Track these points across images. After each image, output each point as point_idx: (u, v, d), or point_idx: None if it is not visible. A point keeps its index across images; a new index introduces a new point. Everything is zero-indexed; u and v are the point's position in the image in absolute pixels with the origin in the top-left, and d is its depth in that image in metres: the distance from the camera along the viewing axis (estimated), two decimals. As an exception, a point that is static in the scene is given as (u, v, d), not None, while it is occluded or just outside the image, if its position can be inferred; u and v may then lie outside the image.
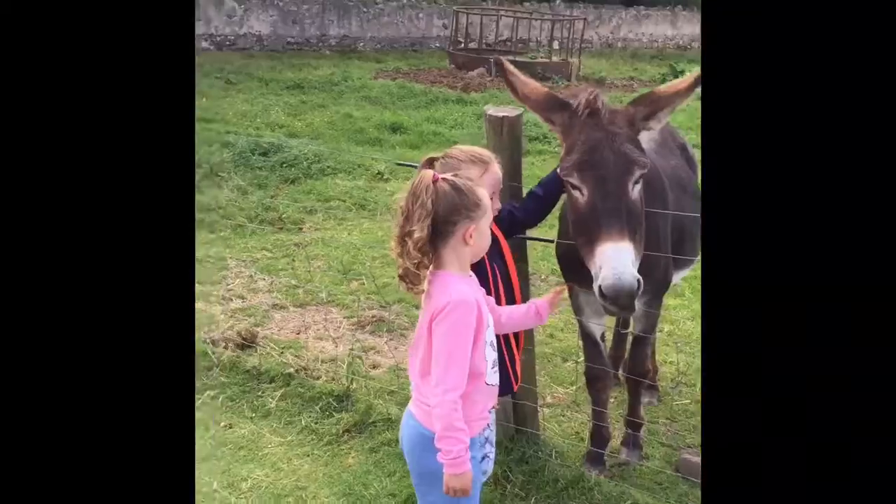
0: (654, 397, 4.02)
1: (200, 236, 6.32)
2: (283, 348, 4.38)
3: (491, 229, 2.65)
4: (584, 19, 18.52)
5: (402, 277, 2.14)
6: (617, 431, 3.56)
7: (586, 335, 3.28)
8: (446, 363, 2.06)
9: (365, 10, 18.99)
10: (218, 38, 16.79)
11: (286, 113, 11.42)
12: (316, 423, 3.61)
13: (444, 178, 2.12)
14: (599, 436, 3.34)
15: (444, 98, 12.84)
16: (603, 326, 3.32)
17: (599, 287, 2.34)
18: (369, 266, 5.79)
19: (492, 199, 2.49)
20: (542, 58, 16.99)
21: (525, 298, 3.02)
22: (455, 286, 2.13)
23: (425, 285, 2.15)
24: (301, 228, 6.70)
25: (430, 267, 2.16)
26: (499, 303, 2.58)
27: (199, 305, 5.05)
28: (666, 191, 3.02)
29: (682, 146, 3.59)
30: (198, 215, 6.70)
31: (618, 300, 2.30)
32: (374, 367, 4.29)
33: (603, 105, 2.50)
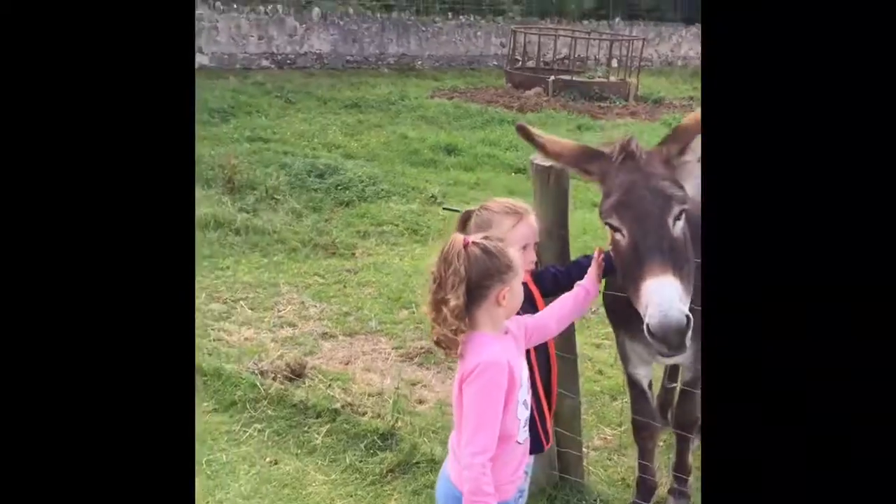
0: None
1: (253, 260, 6.42)
2: (330, 380, 4.39)
3: (525, 284, 2.63)
4: (644, 39, 18.34)
5: (437, 343, 2.13)
6: (666, 478, 3.49)
7: (633, 383, 3.22)
8: (476, 425, 2.03)
9: (423, 28, 19.13)
10: (279, 57, 17.08)
11: (343, 133, 11.54)
12: (360, 462, 3.60)
13: (474, 242, 2.10)
14: (644, 486, 3.27)
15: (499, 119, 12.84)
16: (650, 375, 3.25)
17: (647, 326, 2.28)
18: (420, 294, 5.79)
19: (525, 249, 2.50)
20: (599, 77, 16.88)
21: (569, 348, 2.99)
22: (487, 347, 2.11)
23: (460, 349, 2.14)
24: (354, 254, 6.74)
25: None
26: (529, 358, 2.54)
27: (249, 333, 5.12)
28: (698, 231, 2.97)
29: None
30: (252, 238, 6.82)
31: (666, 338, 2.23)
32: (421, 402, 4.28)
33: (638, 148, 2.46)
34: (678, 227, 2.41)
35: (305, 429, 3.88)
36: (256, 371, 4.36)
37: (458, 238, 2.10)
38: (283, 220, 7.24)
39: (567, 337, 3.12)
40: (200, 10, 16.07)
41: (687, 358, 3.07)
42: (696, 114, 2.55)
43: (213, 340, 4.94)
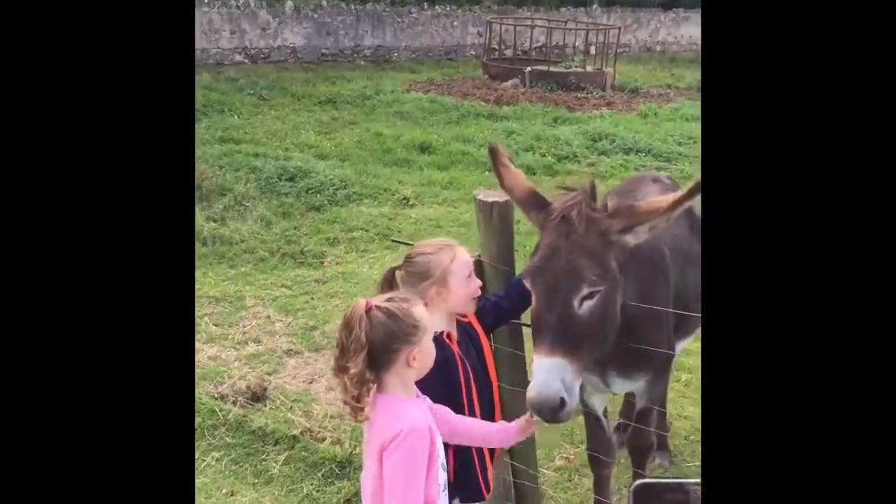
0: (665, 459, 3.92)
1: (220, 272, 6.36)
2: (292, 402, 4.36)
3: (469, 324, 2.60)
4: (619, 28, 18.28)
5: (345, 404, 2.08)
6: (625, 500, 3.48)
7: (587, 412, 3.21)
8: (401, 497, 1.99)
9: (399, 19, 18.99)
10: (252, 52, 16.93)
11: (317, 131, 11.45)
12: (317, 492, 3.58)
13: (377, 307, 2.05)
14: (600, 515, 3.26)
15: (475, 113, 12.79)
16: (605, 402, 3.23)
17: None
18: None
19: (470, 277, 2.49)
20: (576, 67, 16.83)
21: (523, 381, 2.96)
22: (406, 412, 2.06)
23: (367, 411, 2.06)
24: (322, 262, 6.69)
25: (374, 391, 2.09)
26: (471, 400, 2.53)
27: (212, 351, 5.07)
28: (667, 263, 2.93)
29: (687, 211, 3.48)
30: (220, 249, 6.75)
31: (540, 412, 2.30)
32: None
33: (578, 215, 2.40)
34: (585, 307, 2.35)
35: (263, 457, 3.85)
36: (216, 395, 4.33)
37: (361, 304, 2.05)
38: (250, 229, 7.17)
39: (520, 369, 3.10)
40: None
41: (639, 388, 3.07)
42: (656, 200, 2.49)
43: (176, 361, 4.89)
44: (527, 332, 3.13)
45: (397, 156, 10.24)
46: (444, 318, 2.51)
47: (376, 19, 18.53)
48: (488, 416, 2.67)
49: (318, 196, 8.27)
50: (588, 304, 2.35)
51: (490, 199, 2.75)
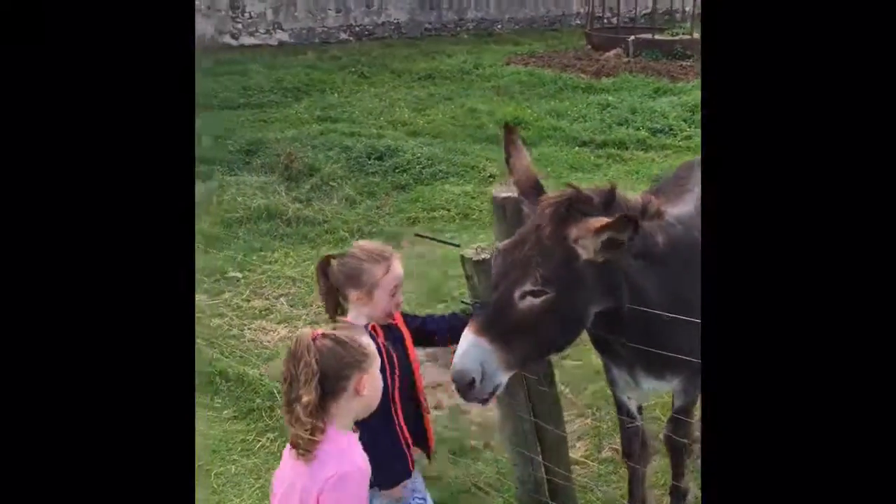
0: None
1: (301, 252, 6.54)
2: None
3: (396, 325, 2.67)
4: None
5: (294, 445, 2.04)
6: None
7: (620, 407, 3.15)
8: None
9: (504, -10, 18.80)
10: (357, 29, 17.15)
11: (412, 108, 11.51)
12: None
13: (324, 335, 2.05)
14: (633, 513, 3.22)
15: (573, 86, 12.54)
16: (639, 400, 3.17)
17: None
18: (457, 288, 5.78)
19: (394, 294, 2.55)
20: (683, 34, 16.23)
21: (548, 381, 2.94)
22: (347, 451, 2.05)
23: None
24: (400, 243, 6.77)
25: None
26: (394, 382, 2.58)
27: (284, 331, 5.25)
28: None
29: None
30: (303, 229, 6.92)
31: (457, 387, 2.39)
32: (437, 407, 4.29)
33: (551, 215, 2.39)
34: (526, 302, 2.35)
35: (314, 439, 3.95)
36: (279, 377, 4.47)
37: (306, 333, 2.05)
38: (334, 210, 7.33)
39: (545, 371, 3.07)
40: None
41: (677, 385, 2.99)
42: (597, 220, 2.39)
43: (248, 341, 5.09)
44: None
45: (489, 132, 10.18)
46: (362, 318, 2.57)
47: (480, -9, 18.42)
48: (407, 401, 2.71)
49: (405, 175, 8.35)
50: (530, 300, 2.35)
51: (503, 195, 2.72)
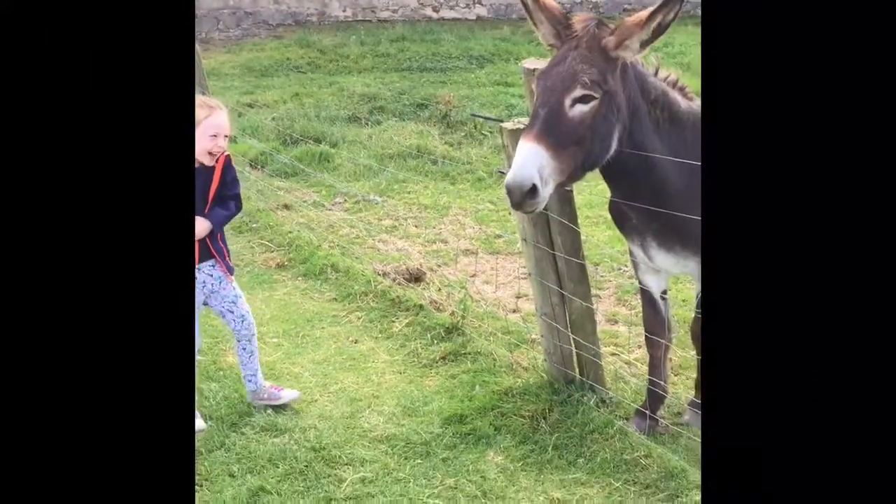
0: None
1: (440, 187, 6.99)
2: (445, 286, 4.85)
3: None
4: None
5: None
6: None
7: (643, 291, 3.31)
8: None
9: (710, -27, 18.29)
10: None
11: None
12: (422, 349, 4.05)
13: None
14: (651, 396, 3.34)
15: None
16: (662, 284, 3.30)
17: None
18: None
19: (216, 137, 3.22)
20: None
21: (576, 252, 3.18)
22: None
23: None
24: (533, 186, 7.04)
25: None
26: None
27: (402, 244, 5.72)
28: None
29: None
30: (446, 167, 7.37)
31: (510, 194, 2.51)
32: (516, 310, 4.59)
33: (584, 30, 2.62)
34: (576, 110, 2.56)
35: (393, 319, 4.39)
36: (380, 273, 4.95)
37: None
38: (480, 153, 7.72)
39: (574, 242, 3.30)
40: (481, -37, 16.84)
41: (693, 268, 3.11)
42: (640, 13, 2.62)
43: (367, 248, 5.61)
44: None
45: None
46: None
47: (685, -27, 18.03)
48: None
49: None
50: (580, 107, 2.57)
51: (531, 67, 2.99)
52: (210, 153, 3.23)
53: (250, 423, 3.38)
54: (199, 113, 3.16)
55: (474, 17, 16.58)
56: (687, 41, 14.61)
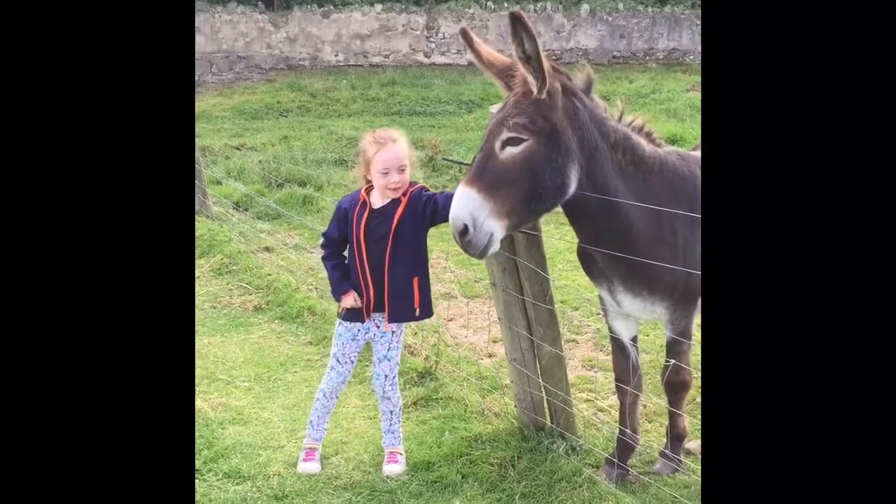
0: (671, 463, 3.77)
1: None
2: (421, 329, 4.81)
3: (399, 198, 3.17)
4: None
5: None
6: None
7: (613, 338, 3.28)
8: None
9: (698, 22, 18.56)
10: (545, 53, 17.56)
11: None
12: (394, 394, 4.00)
13: None
14: (621, 444, 3.29)
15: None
16: (632, 330, 3.27)
17: None
18: (560, 268, 5.98)
19: (387, 173, 3.05)
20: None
21: (545, 297, 3.15)
22: None
23: None
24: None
25: None
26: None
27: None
28: (688, 194, 2.94)
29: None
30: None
31: (455, 239, 2.66)
32: (491, 355, 4.55)
33: (521, 80, 2.65)
34: (507, 152, 2.61)
35: (367, 363, 4.33)
36: (357, 315, 4.91)
37: None
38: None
39: (542, 287, 3.28)
40: (472, 10, 17.07)
41: (661, 316, 3.09)
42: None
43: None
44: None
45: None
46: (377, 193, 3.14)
47: (673, 22, 18.30)
48: (378, 261, 3.19)
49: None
50: (510, 149, 2.61)
51: (496, 110, 2.99)
52: (389, 189, 3.11)
53: (213, 469, 3.31)
54: (369, 150, 3.10)
55: (465, 63, 16.73)
56: (675, 87, 14.84)
